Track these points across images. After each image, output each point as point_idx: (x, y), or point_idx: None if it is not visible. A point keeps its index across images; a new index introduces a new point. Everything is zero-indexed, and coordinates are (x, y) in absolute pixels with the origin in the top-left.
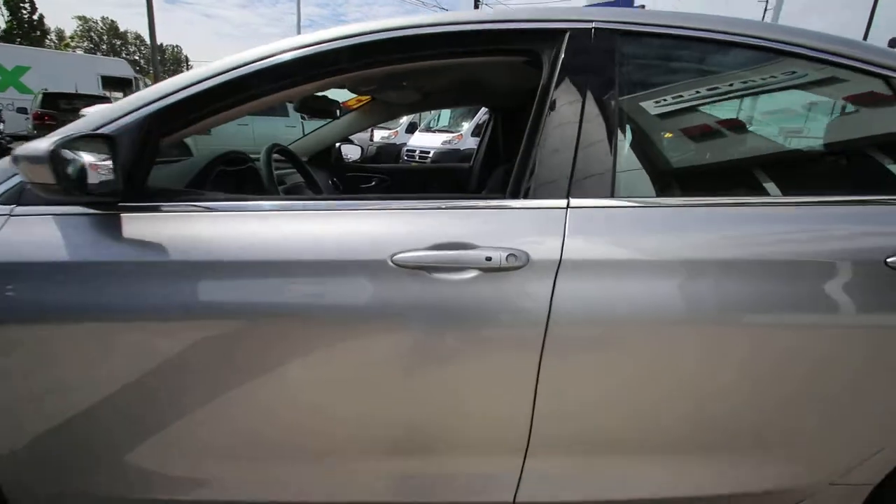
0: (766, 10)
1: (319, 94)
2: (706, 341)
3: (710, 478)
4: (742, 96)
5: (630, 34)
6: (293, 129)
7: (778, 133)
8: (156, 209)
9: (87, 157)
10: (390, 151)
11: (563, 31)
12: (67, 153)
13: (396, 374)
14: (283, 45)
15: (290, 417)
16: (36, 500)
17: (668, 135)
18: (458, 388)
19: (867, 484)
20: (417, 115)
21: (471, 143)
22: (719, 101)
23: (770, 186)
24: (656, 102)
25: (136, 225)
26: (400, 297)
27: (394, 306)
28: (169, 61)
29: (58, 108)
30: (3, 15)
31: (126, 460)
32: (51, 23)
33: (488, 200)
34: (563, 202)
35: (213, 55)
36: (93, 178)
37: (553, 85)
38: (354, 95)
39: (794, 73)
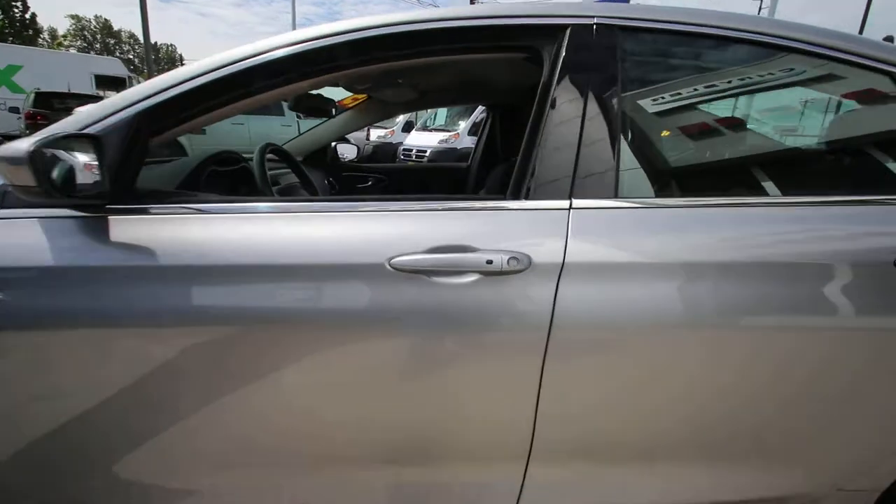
0: (760, 9)
1: (314, 92)
2: (713, 346)
3: (715, 484)
4: (748, 93)
5: (633, 30)
6: (289, 129)
7: (787, 130)
8: (145, 211)
9: (72, 158)
10: (387, 150)
11: (564, 26)
12: (50, 154)
13: (395, 380)
14: (276, 41)
15: (285, 425)
16: None
17: (672, 133)
18: (458, 394)
19: (874, 490)
20: (414, 113)
21: (467, 142)
22: (725, 98)
23: (780, 186)
24: (660, 100)
25: (125, 228)
26: (398, 302)
27: (392, 311)
28: (163, 60)
29: (51, 107)
30: None
31: (115, 470)
32: (43, 21)
33: (488, 201)
34: (565, 203)
35: (207, 54)
36: (79, 180)
37: (554, 82)
38: (350, 94)
39: (803, 70)
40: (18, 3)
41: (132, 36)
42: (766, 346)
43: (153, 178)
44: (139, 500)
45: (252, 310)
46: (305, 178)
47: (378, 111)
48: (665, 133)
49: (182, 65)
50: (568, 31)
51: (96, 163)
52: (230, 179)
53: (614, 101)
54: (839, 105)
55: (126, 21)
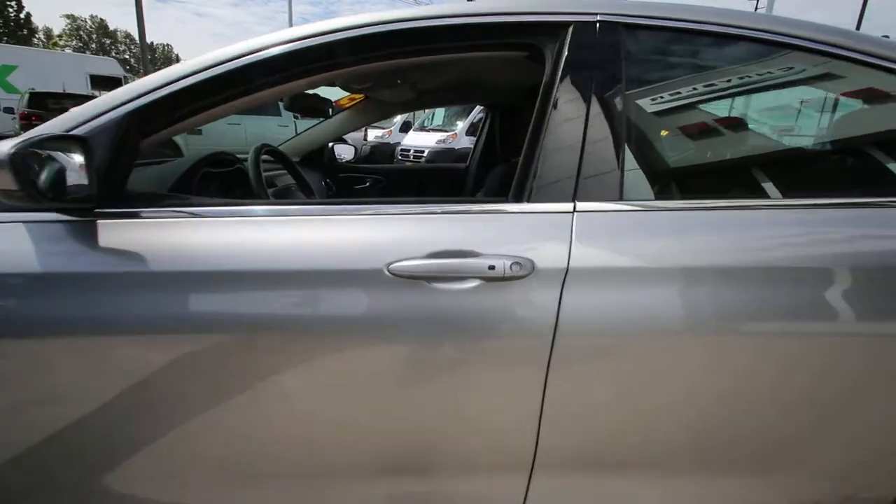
0: (756, 7)
1: (310, 92)
2: (724, 352)
3: (723, 494)
4: (756, 93)
5: (637, 27)
6: (286, 129)
7: (797, 131)
8: (135, 215)
9: (61, 160)
10: (384, 151)
11: (567, 24)
12: (33, 157)
13: (394, 390)
14: (271, 38)
15: (282, 435)
16: None
17: (678, 133)
18: (460, 403)
19: (886, 499)
20: (411, 114)
21: (465, 142)
22: (732, 97)
23: (789, 187)
24: (666, 99)
25: (114, 232)
26: (397, 309)
27: (390, 319)
28: (160, 60)
29: (45, 107)
30: None
31: (105, 483)
32: (38, 21)
33: (489, 204)
34: (568, 206)
35: (204, 54)
36: (69, 182)
37: (556, 82)
38: (347, 94)
39: (812, 69)
40: (13, 3)
41: (128, 36)
42: (780, 352)
43: (144, 180)
44: None
45: (246, 317)
46: (302, 179)
47: (375, 111)
48: (671, 133)
49: None
50: (570, 29)
51: (84, 165)
52: (224, 181)
53: (618, 100)
54: (850, 104)
55: (122, 21)
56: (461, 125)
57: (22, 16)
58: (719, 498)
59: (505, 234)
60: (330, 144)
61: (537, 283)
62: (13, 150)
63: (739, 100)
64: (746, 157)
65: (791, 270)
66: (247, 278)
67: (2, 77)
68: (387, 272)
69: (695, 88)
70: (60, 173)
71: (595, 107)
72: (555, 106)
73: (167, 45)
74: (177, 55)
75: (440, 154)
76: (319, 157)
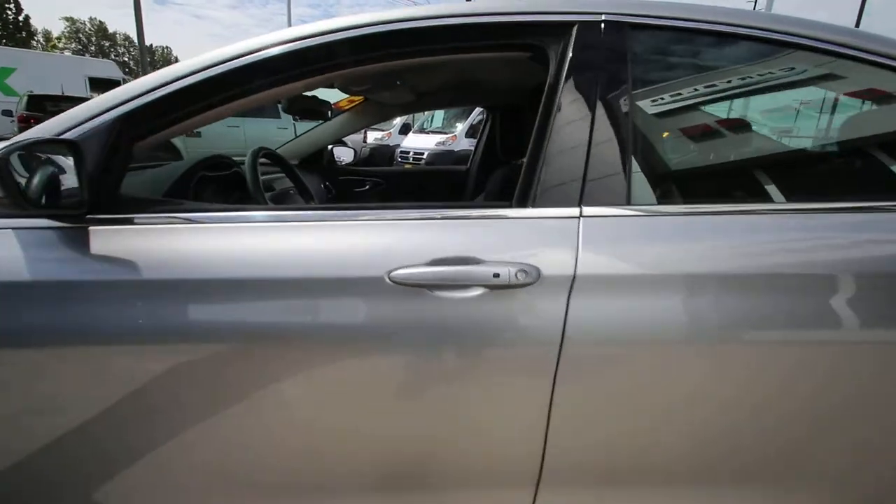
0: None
1: (309, 94)
2: (739, 362)
3: None
4: (767, 93)
5: (643, 27)
6: (285, 131)
7: (812, 131)
8: (128, 221)
9: (50, 165)
10: (384, 153)
11: (571, 23)
12: (19, 162)
13: (395, 401)
14: (268, 39)
15: (282, 446)
16: None
17: (686, 135)
18: (464, 416)
19: None
20: (411, 116)
21: (465, 144)
22: (742, 98)
23: (805, 191)
24: (673, 101)
25: (106, 239)
26: (398, 318)
27: (391, 327)
28: (159, 62)
29: (44, 110)
30: None
31: (101, 493)
32: (37, 24)
33: (493, 209)
34: (574, 211)
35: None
36: (56, 189)
37: (561, 83)
38: (346, 96)
39: (825, 70)
40: (11, 5)
41: (127, 38)
42: (797, 360)
43: (139, 184)
44: None
45: (242, 327)
46: (300, 182)
47: (375, 113)
48: (678, 135)
49: None
50: (575, 29)
51: (75, 170)
52: (221, 185)
53: (624, 102)
54: (860, 105)
55: (121, 23)
56: (461, 127)
57: (21, 18)
58: None
59: (509, 240)
60: (329, 147)
61: (543, 291)
62: None
63: (749, 101)
64: (757, 159)
65: (806, 277)
66: (243, 287)
67: (0, 80)
68: (388, 280)
69: (703, 89)
70: (53, 178)
71: (600, 108)
72: (559, 108)
73: (166, 47)
74: (176, 57)
75: (440, 156)
76: (318, 159)
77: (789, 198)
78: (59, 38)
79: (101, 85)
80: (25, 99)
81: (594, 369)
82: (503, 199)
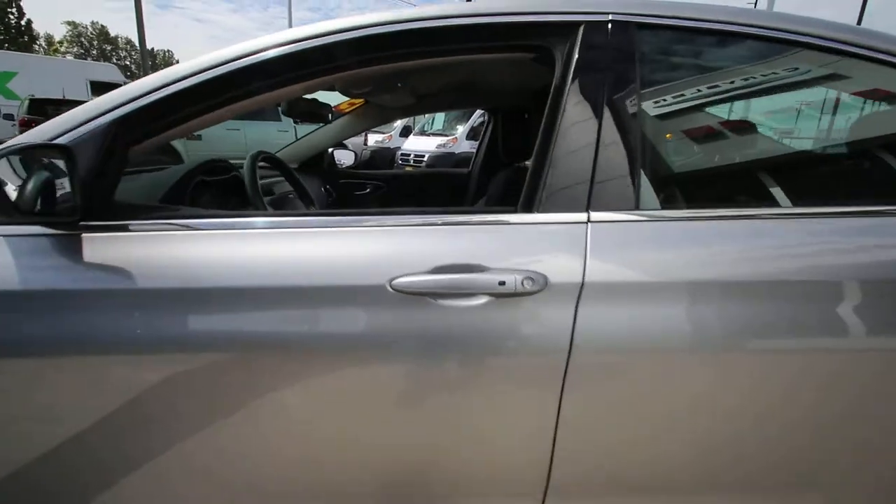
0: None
1: (309, 96)
2: (755, 371)
3: None
4: (779, 94)
5: (652, 27)
6: (286, 134)
7: (826, 131)
8: (123, 228)
9: (45, 171)
10: (384, 156)
11: (577, 23)
12: (7, 167)
13: (398, 412)
14: (267, 41)
15: (282, 457)
16: None
17: (697, 138)
18: (468, 427)
19: None
20: (411, 118)
21: (466, 146)
22: (755, 98)
23: (821, 194)
24: (683, 102)
25: (100, 247)
26: (400, 328)
27: (393, 337)
28: (160, 66)
29: (45, 114)
30: None
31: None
32: (39, 28)
33: (498, 214)
34: (582, 216)
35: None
36: (51, 195)
37: (567, 85)
38: (346, 98)
39: (839, 71)
40: (13, 10)
41: (129, 42)
42: (815, 368)
43: (136, 189)
44: None
45: (240, 336)
46: (300, 186)
47: (376, 116)
48: (689, 138)
49: None
50: (581, 29)
51: (68, 176)
52: (220, 190)
53: (633, 103)
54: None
55: (123, 27)
56: (461, 129)
57: (23, 23)
58: None
59: (515, 246)
60: (330, 150)
61: (551, 299)
62: None
63: (761, 102)
64: (772, 162)
65: (825, 284)
66: (241, 295)
67: (2, 83)
68: (389, 288)
69: (712, 91)
70: (48, 184)
71: (608, 111)
72: (566, 110)
73: (168, 51)
74: (177, 61)
75: (440, 158)
76: (319, 162)
77: (804, 202)
78: (60, 42)
79: (102, 88)
80: (27, 103)
81: (603, 379)
82: (506, 201)
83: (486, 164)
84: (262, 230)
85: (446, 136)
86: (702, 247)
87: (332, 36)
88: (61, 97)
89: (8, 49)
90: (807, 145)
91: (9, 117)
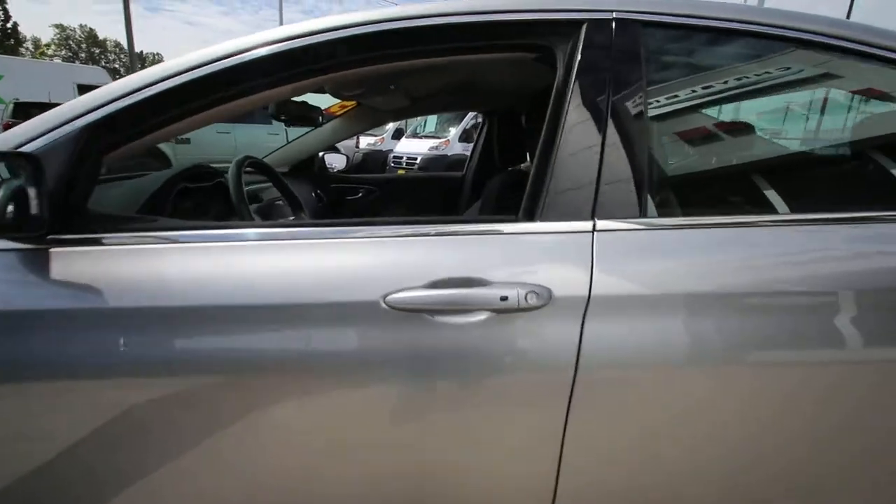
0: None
1: (298, 99)
2: (778, 388)
3: None
4: (791, 95)
5: (657, 25)
6: (276, 137)
7: (842, 137)
8: (96, 242)
9: (14, 181)
10: (377, 158)
11: (580, 22)
12: None
13: (395, 436)
14: (253, 40)
15: (266, 488)
16: None
17: (708, 140)
18: (469, 449)
19: None
20: (403, 120)
21: (458, 148)
22: (769, 100)
23: (837, 200)
24: (692, 103)
25: (71, 262)
26: (395, 346)
27: (388, 357)
28: None
29: (30, 117)
30: None
31: None
32: (27, 31)
33: (498, 224)
34: (587, 224)
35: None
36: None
37: (570, 86)
38: (337, 101)
39: (851, 71)
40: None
41: (118, 45)
42: (832, 382)
43: (114, 198)
44: None
45: (222, 358)
46: (289, 192)
47: (368, 119)
48: (699, 140)
49: None
50: (584, 28)
51: (34, 186)
52: (205, 197)
53: (640, 105)
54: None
55: (112, 30)
56: (454, 132)
57: (9, 26)
58: None
59: (516, 257)
60: (320, 154)
61: (555, 314)
62: None
63: (773, 102)
64: (788, 165)
65: (850, 292)
66: (223, 314)
67: None
68: (383, 304)
69: (724, 90)
70: (19, 194)
71: (613, 113)
72: (568, 113)
73: (157, 53)
74: None
75: (433, 161)
76: (310, 166)
77: (826, 207)
78: (48, 46)
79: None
80: (11, 106)
81: (611, 397)
82: (501, 205)
83: (481, 168)
84: (247, 242)
85: (439, 138)
86: (716, 256)
87: (324, 35)
88: (47, 101)
89: None
90: (830, 148)
91: None
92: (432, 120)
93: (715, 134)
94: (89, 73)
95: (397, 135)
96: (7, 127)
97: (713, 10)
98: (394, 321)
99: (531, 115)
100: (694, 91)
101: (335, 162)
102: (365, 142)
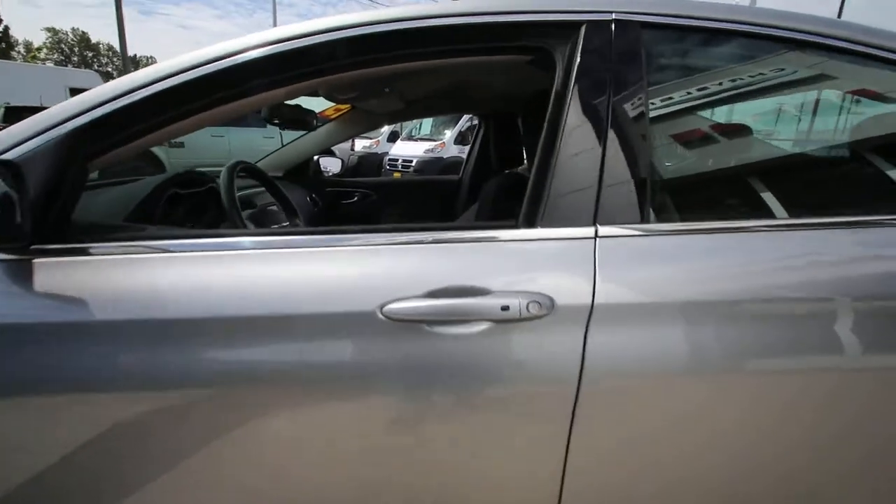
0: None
1: (291, 102)
2: (791, 398)
3: None
4: (794, 98)
5: (658, 27)
6: (271, 140)
7: (848, 140)
8: (81, 251)
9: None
10: (372, 161)
11: (578, 23)
12: None
13: (394, 451)
14: (245, 42)
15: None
16: None
17: (712, 142)
18: (471, 465)
19: None
20: (398, 123)
21: (454, 150)
22: (773, 101)
23: (848, 204)
24: (695, 105)
25: (54, 273)
26: (393, 358)
27: (385, 370)
28: None
29: None
30: None
31: None
32: (18, 34)
33: (498, 230)
34: (589, 230)
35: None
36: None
37: (570, 89)
38: (332, 104)
39: (859, 74)
40: None
41: (111, 49)
42: (844, 391)
43: (103, 204)
44: None
45: (214, 371)
46: (283, 198)
47: (363, 122)
48: (703, 143)
49: None
50: (582, 29)
51: (15, 196)
52: (196, 203)
53: (641, 108)
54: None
55: (105, 33)
56: (449, 134)
57: (0, 29)
58: None
59: (517, 265)
60: (315, 157)
61: (558, 323)
62: None
63: (779, 104)
64: (798, 166)
65: (860, 299)
66: (216, 326)
67: None
68: (380, 315)
69: (726, 93)
70: (4, 203)
71: (614, 116)
72: (568, 116)
73: (150, 57)
74: None
75: (428, 163)
76: (305, 170)
77: (834, 212)
78: (39, 49)
79: None
80: (2, 111)
81: (617, 409)
82: (498, 208)
83: (478, 171)
84: (239, 252)
85: (434, 140)
86: (722, 261)
87: (316, 37)
88: (39, 105)
89: None
90: (837, 151)
91: None
92: (427, 122)
93: (720, 136)
94: (82, 76)
95: (392, 137)
96: None
97: (716, 11)
98: (391, 332)
99: (528, 118)
100: (696, 93)
101: (330, 166)
102: (360, 144)
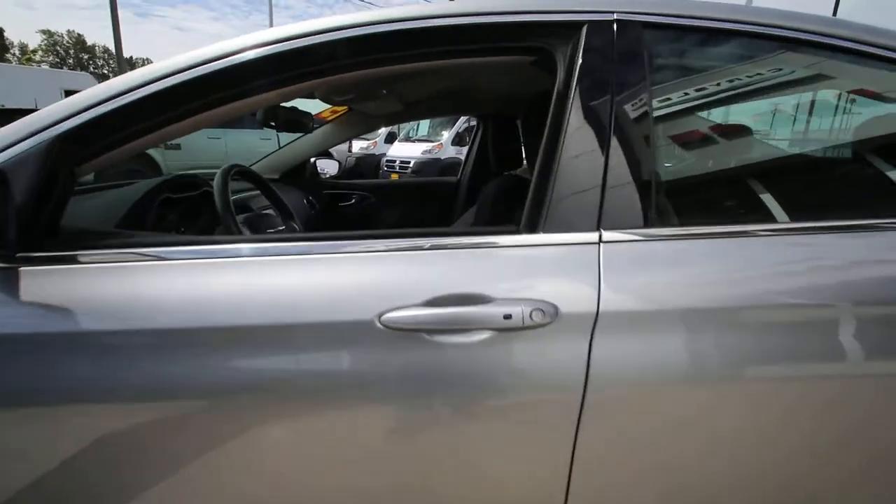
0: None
1: (287, 104)
2: (801, 406)
3: None
4: (799, 99)
5: (660, 27)
6: (268, 142)
7: (854, 142)
8: (70, 259)
9: None
10: (370, 162)
11: (580, 24)
12: None
13: (393, 462)
14: (240, 42)
15: None
16: None
17: (718, 144)
18: (473, 477)
19: None
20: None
21: (451, 151)
22: (778, 102)
23: (856, 207)
24: (700, 106)
25: (42, 282)
26: (392, 368)
27: (384, 380)
28: None
29: None
30: None
31: None
32: (13, 37)
33: (499, 236)
34: (593, 236)
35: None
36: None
37: (572, 90)
38: (328, 106)
39: (863, 74)
40: None
41: (107, 51)
42: (851, 398)
43: (94, 209)
44: None
45: (207, 381)
46: (278, 201)
47: (360, 124)
48: (708, 145)
49: None
50: (584, 30)
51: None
52: (190, 208)
53: (645, 110)
54: None
55: (100, 35)
56: (447, 135)
57: None
58: None
59: (519, 272)
60: (312, 160)
61: (562, 331)
62: None
63: (786, 105)
64: (807, 168)
65: (873, 305)
66: (210, 336)
67: None
68: (378, 324)
69: (732, 93)
70: None
71: (617, 118)
72: (570, 119)
73: (146, 59)
74: None
75: (426, 165)
76: (301, 173)
77: (843, 216)
78: (34, 51)
79: None
80: None
81: (623, 418)
82: (496, 210)
83: (476, 173)
84: (234, 259)
85: (432, 142)
86: (729, 267)
87: (313, 37)
88: (34, 107)
89: None
90: (846, 152)
91: None
92: (425, 123)
93: (726, 137)
94: (78, 78)
95: (390, 138)
96: None
97: (720, 10)
98: (390, 341)
99: (527, 119)
100: (700, 93)
101: (328, 167)
102: (358, 146)
